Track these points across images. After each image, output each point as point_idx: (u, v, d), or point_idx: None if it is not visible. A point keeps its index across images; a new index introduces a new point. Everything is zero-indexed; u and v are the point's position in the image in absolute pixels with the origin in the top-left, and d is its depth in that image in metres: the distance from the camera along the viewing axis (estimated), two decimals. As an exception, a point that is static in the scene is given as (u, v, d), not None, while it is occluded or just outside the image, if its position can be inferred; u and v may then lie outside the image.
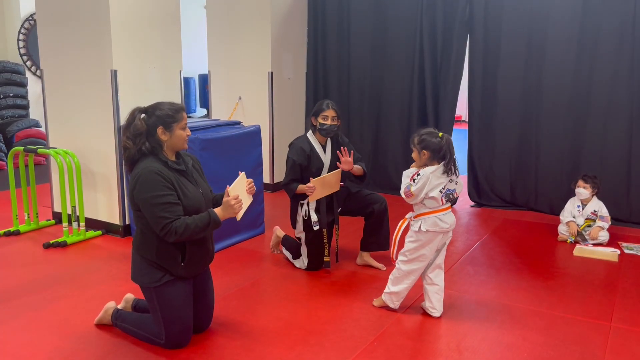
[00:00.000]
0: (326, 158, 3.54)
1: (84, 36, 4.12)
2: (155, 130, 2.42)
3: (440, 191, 2.68)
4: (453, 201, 2.86)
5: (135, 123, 2.42)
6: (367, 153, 5.93)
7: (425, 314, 2.94)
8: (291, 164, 3.46)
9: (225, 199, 2.41)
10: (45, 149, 4.24)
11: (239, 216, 2.46)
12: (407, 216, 2.84)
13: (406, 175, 2.75)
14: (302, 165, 3.45)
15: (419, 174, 2.67)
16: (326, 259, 3.50)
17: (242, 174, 2.56)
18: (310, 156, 3.48)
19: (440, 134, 2.69)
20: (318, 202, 3.44)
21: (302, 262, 3.57)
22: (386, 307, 2.97)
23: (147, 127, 2.42)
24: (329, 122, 3.45)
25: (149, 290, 2.47)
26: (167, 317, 2.47)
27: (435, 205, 2.70)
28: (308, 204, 3.48)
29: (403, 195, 2.72)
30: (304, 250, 3.55)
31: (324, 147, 3.56)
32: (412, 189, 2.66)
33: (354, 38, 5.84)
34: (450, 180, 2.71)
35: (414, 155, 2.75)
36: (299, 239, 3.61)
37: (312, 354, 2.52)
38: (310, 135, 3.55)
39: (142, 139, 2.42)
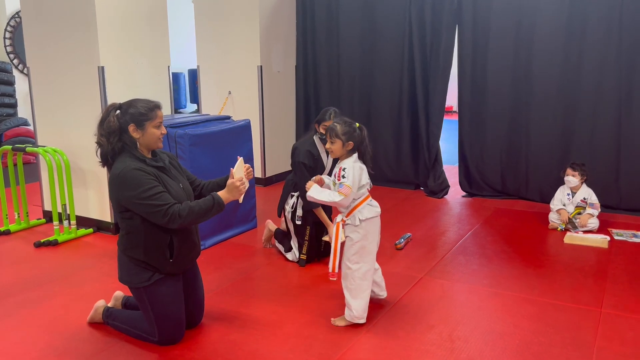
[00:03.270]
0: (328, 163, 3.57)
1: (70, 33, 4.08)
2: (127, 128, 2.39)
3: (368, 178, 2.65)
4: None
5: (108, 120, 2.40)
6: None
7: (418, 304, 2.95)
8: (302, 167, 3.43)
9: (230, 180, 2.43)
10: (34, 147, 4.21)
11: (241, 199, 2.50)
12: (337, 220, 2.67)
13: (326, 187, 2.67)
14: (310, 167, 3.46)
15: (344, 169, 2.57)
16: (302, 256, 3.52)
17: (240, 159, 2.54)
18: (317, 159, 3.49)
19: (357, 124, 2.64)
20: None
21: (294, 254, 3.58)
22: (352, 325, 2.71)
23: (119, 125, 2.40)
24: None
25: (139, 291, 2.46)
26: (160, 315, 2.46)
27: (363, 193, 2.65)
28: (297, 198, 3.51)
29: (339, 199, 2.54)
30: (294, 243, 3.55)
31: (327, 152, 3.58)
32: (348, 183, 2.54)
33: (343, 30, 5.82)
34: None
35: (335, 146, 2.62)
36: (288, 229, 3.62)
37: (305, 346, 2.52)
38: (316, 138, 3.54)
39: (116, 137, 2.40)
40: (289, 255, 3.61)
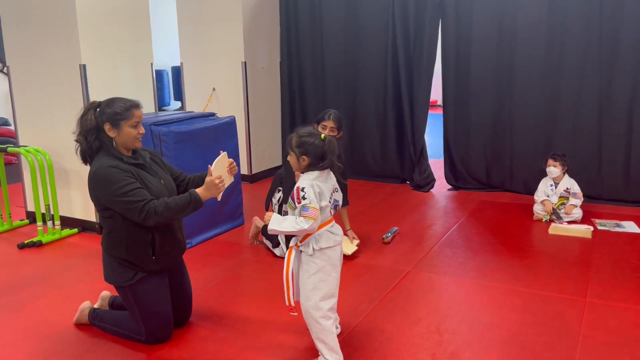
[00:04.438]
0: None
1: (50, 30, 4.02)
2: (103, 127, 2.38)
3: (329, 200, 2.23)
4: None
5: (86, 117, 2.40)
6: (344, 140, 5.90)
7: (405, 297, 2.97)
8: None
9: (208, 178, 2.38)
10: (15, 147, 4.15)
11: (220, 197, 2.45)
12: (291, 244, 2.31)
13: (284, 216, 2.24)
14: None
15: (302, 189, 2.17)
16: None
17: (223, 154, 2.50)
18: None
19: (323, 135, 2.25)
20: None
21: (281, 250, 3.57)
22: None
23: (96, 123, 2.39)
24: (327, 132, 3.47)
25: (124, 290, 2.45)
26: (145, 314, 2.45)
27: (325, 217, 2.23)
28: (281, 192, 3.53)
29: (308, 226, 2.13)
30: (281, 237, 3.55)
31: None
32: (312, 204, 2.14)
33: (327, 25, 5.81)
34: (336, 190, 2.30)
35: (291, 159, 2.28)
36: None
37: (295, 342, 2.53)
38: None
39: (93, 135, 2.39)
40: (277, 251, 3.61)
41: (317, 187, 2.19)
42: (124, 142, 2.41)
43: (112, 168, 2.32)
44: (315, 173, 2.23)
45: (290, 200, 2.23)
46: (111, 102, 2.41)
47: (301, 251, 2.26)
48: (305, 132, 2.27)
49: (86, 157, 2.43)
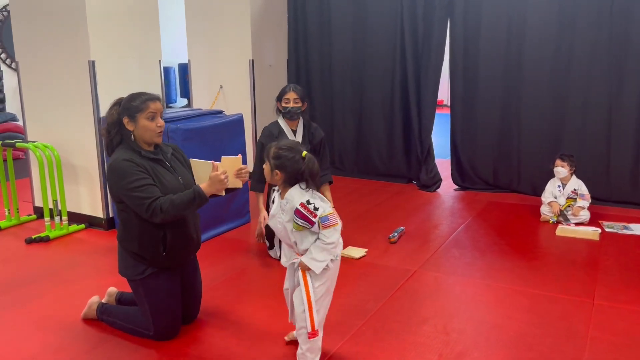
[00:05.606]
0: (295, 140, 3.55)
1: (59, 26, 4.03)
2: (122, 120, 2.43)
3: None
4: None
5: (110, 112, 2.47)
6: (351, 139, 5.94)
7: (412, 297, 2.97)
8: (260, 147, 3.52)
9: (214, 173, 2.35)
10: (24, 143, 4.16)
11: (223, 192, 2.40)
12: (295, 263, 2.15)
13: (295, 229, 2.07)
14: None
15: (308, 202, 2.02)
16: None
17: (239, 156, 2.46)
18: (277, 139, 3.48)
19: (304, 153, 2.08)
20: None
21: (275, 252, 3.55)
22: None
23: (117, 118, 2.44)
24: (290, 104, 3.49)
25: (135, 283, 2.47)
26: (154, 309, 2.46)
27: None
28: (277, 191, 3.50)
29: (337, 237, 2.01)
30: (277, 240, 3.53)
31: (294, 132, 3.57)
32: (328, 210, 2.03)
33: (335, 23, 5.80)
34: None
35: (265, 169, 2.16)
36: None
37: (301, 340, 2.53)
38: (280, 120, 3.59)
39: (115, 129, 2.45)
40: (271, 253, 3.58)
41: (316, 198, 2.06)
42: (142, 135, 2.42)
43: (127, 162, 2.34)
44: (300, 186, 2.08)
45: (300, 222, 2.02)
46: (131, 96, 2.45)
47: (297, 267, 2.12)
48: (286, 145, 2.12)
49: (109, 150, 2.50)
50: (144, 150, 2.43)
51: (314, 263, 2.03)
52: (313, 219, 1.99)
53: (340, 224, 2.03)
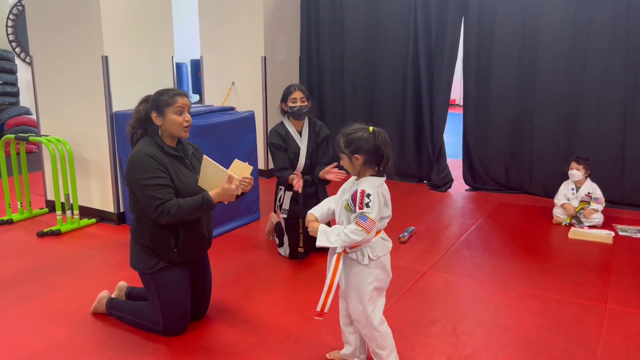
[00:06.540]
0: (302, 143, 3.55)
1: (73, 21, 4.05)
2: (151, 116, 2.45)
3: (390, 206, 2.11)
4: None
5: (137, 109, 2.50)
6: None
7: (422, 298, 2.95)
8: (270, 148, 3.53)
9: (227, 185, 2.34)
10: (37, 136, 4.19)
11: (227, 202, 2.43)
12: (338, 250, 2.08)
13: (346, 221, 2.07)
14: (281, 146, 3.48)
15: (368, 195, 1.99)
16: (300, 249, 3.49)
17: (250, 166, 2.43)
18: (285, 139, 3.50)
19: (371, 128, 2.07)
20: (296, 191, 3.41)
21: (284, 250, 3.55)
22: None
23: (145, 114, 2.47)
24: (298, 103, 3.48)
25: (146, 277, 2.48)
26: (164, 304, 2.46)
27: (381, 226, 2.10)
28: (285, 191, 3.50)
29: (361, 239, 1.97)
30: (286, 238, 3.53)
31: (300, 132, 3.56)
32: (373, 215, 1.98)
33: (348, 21, 5.78)
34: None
35: (344, 162, 2.11)
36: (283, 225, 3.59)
37: (309, 338, 2.52)
38: (285, 120, 3.58)
39: (141, 124, 2.48)
40: (281, 250, 3.58)
41: (382, 195, 2.05)
42: (169, 129, 2.44)
43: (148, 156, 2.36)
44: (381, 180, 2.07)
45: (350, 201, 2.03)
46: (159, 92, 2.47)
47: (351, 258, 2.09)
48: (351, 128, 2.09)
49: (133, 144, 2.52)
50: (167, 146, 2.45)
51: (323, 238, 2.05)
52: (358, 209, 2.00)
53: (369, 234, 1.99)
